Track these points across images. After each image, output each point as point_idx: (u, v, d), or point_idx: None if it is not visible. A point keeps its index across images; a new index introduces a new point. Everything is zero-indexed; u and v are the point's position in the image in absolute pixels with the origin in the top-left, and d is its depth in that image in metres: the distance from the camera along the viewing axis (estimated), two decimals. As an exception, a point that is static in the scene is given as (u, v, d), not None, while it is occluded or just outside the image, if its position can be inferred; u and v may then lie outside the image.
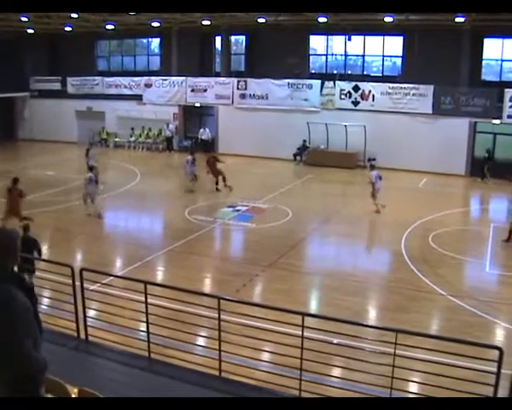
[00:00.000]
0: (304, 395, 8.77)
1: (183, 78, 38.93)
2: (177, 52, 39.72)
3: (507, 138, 32.91)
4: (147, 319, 10.13)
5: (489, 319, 13.98)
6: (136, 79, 41.02)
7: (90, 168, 24.11)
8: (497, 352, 7.33)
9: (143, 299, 10.08)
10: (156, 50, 44.23)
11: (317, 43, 38.58)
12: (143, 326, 10.58)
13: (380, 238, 21.23)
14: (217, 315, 9.55)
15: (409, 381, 9.58)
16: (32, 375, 4.87)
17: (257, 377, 9.47)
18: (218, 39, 40.05)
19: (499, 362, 7.31)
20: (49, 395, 6.35)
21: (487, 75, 35.10)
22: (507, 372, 7.26)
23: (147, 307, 10.04)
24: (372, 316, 14.69)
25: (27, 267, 12.39)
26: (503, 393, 7.50)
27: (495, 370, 7.33)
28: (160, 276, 17.00)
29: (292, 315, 9.37)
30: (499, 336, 13.32)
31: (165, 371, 9.47)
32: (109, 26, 37.03)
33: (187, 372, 9.47)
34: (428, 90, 33.36)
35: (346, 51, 37.58)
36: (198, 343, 11.18)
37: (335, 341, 10.12)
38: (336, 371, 10.19)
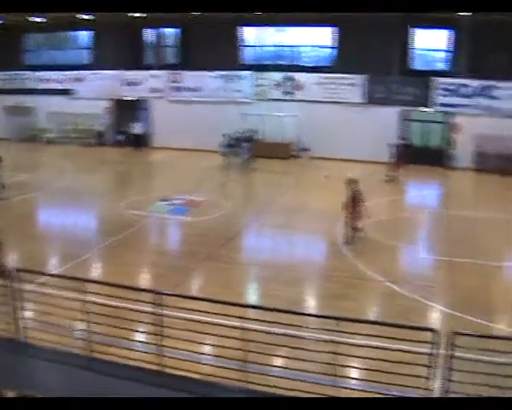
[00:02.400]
0: (249, 386, 8.82)
1: (116, 71, 38.42)
2: (109, 45, 39.10)
3: (436, 126, 33.84)
4: (86, 317, 9.99)
5: (424, 302, 14.32)
6: (67, 73, 40.22)
7: None
8: (431, 334, 7.52)
9: (81, 297, 9.94)
10: (87, 44, 43.38)
11: (249, 34, 38.58)
12: (82, 325, 10.44)
13: (316, 228, 21.41)
14: (157, 310, 9.49)
15: (349, 367, 9.73)
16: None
17: (200, 370, 9.46)
18: (151, 32, 39.64)
19: (434, 344, 7.50)
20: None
21: (417, 65, 35.82)
22: (444, 353, 7.44)
23: (85, 306, 9.90)
24: (311, 305, 14.85)
25: None
26: (440, 373, 7.70)
27: (432, 351, 7.52)
28: (97, 273, 16.75)
29: (233, 307, 9.38)
30: (435, 319, 13.67)
31: (106, 370, 9.37)
32: (37, 19, 36.15)
33: (129, 369, 9.38)
34: (359, 79, 33.91)
35: (278, 42, 37.76)
36: (139, 340, 11.09)
37: (277, 331, 10.18)
38: (279, 361, 10.26)
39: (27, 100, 40.72)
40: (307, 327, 10.56)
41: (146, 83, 38.02)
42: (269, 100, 35.36)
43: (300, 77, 35.08)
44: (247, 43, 38.76)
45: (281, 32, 36.60)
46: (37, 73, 41.17)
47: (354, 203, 18.57)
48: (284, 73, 35.47)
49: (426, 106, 33.25)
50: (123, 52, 39.17)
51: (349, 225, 18.78)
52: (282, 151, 34.05)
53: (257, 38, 38.37)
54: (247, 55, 38.80)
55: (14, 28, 40.23)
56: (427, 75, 33.89)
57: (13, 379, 7.53)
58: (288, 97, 35.13)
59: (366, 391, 8.73)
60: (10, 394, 6.83)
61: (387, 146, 29.20)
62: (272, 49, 38.31)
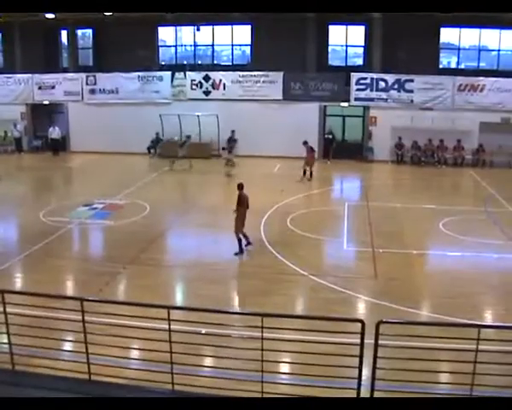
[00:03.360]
0: (176, 388, 8.78)
1: (29, 75, 37.51)
2: (20, 47, 38.19)
3: (355, 120, 34.58)
4: (7, 329, 9.72)
5: (350, 293, 14.58)
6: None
7: None
8: (359, 324, 7.67)
9: (1, 309, 9.68)
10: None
11: (165, 34, 38.41)
12: (4, 338, 10.16)
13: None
14: (81, 317, 9.34)
15: (279, 362, 9.83)
16: None
17: (127, 375, 9.37)
18: (64, 33, 38.87)
19: (362, 334, 7.65)
20: None
21: (334, 60, 36.53)
22: (370, 342, 7.59)
23: (6, 317, 9.64)
24: (236, 302, 14.90)
25: None
26: (367, 362, 7.86)
27: (359, 341, 7.67)
28: (18, 283, 16.28)
29: (158, 310, 9.32)
30: (361, 310, 13.95)
31: (31, 382, 9.14)
32: None
33: (55, 380, 9.19)
34: (278, 76, 34.31)
35: (195, 41, 37.76)
36: (65, 349, 10.88)
37: (203, 331, 10.19)
38: (207, 361, 10.26)
39: None
40: (233, 325, 10.60)
41: (61, 86, 37.26)
42: (188, 100, 35.27)
43: (218, 76, 35.17)
44: (164, 44, 38.58)
45: (197, 31, 36.50)
46: None
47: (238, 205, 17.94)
48: (202, 72, 35.45)
49: (343, 100, 33.89)
50: (36, 54, 38.26)
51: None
52: (202, 151, 34.01)
53: (174, 37, 38.21)
54: (165, 55, 38.61)
55: None
56: (343, 70, 34.57)
57: None
58: (206, 97, 35.12)
59: (294, 385, 8.84)
60: None
61: (303, 143, 29.52)
62: (190, 48, 38.24)
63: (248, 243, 18.13)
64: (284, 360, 10.07)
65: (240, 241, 17.82)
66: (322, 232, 20.00)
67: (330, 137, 34.12)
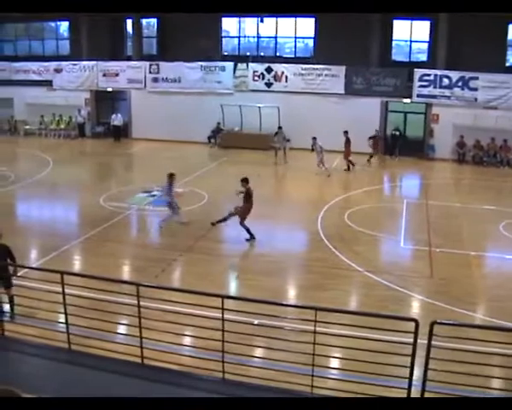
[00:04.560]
0: (227, 376, 8.84)
1: (94, 62, 38.17)
2: (87, 36, 38.91)
3: (416, 117, 34.09)
4: (65, 310, 9.95)
5: (404, 292, 14.42)
6: (45, 63, 39.85)
7: None
8: (413, 324, 7.57)
9: (60, 289, 9.90)
10: (65, 34, 43.07)
11: (229, 25, 38.55)
12: (62, 318, 10.41)
13: (296, 218, 21.45)
14: (136, 302, 9.48)
15: (330, 357, 9.80)
16: None
17: (179, 361, 9.48)
18: (129, 22, 39.43)
19: (415, 333, 7.56)
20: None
21: (397, 55, 36.05)
22: (423, 342, 7.50)
23: (64, 298, 9.86)
24: (291, 295, 14.87)
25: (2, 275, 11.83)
26: (419, 362, 7.76)
27: (411, 341, 7.58)
28: (76, 265, 16.67)
29: (212, 298, 9.39)
30: (415, 309, 13.78)
31: (86, 362, 9.34)
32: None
33: (109, 362, 9.37)
34: (340, 70, 34.02)
35: (258, 33, 37.78)
36: (119, 332, 11.07)
37: (255, 321, 10.22)
38: (258, 352, 10.29)
39: (4, 91, 40.25)
40: (286, 318, 10.60)
41: (124, 74, 37.79)
42: (249, 91, 35.32)
43: (280, 68, 35.10)
44: (228, 34, 38.73)
45: (261, 22, 36.53)
46: (15, 64, 40.75)
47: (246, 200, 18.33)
48: (264, 64, 35.44)
49: (405, 97, 33.43)
50: (101, 42, 38.92)
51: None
52: (262, 142, 34.00)
53: (237, 28, 38.34)
54: (227, 45, 38.77)
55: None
56: (406, 66, 34.10)
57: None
58: (268, 88, 35.11)
59: (344, 381, 8.81)
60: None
61: (369, 138, 29.36)
62: (253, 40, 38.30)
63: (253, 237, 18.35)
64: (335, 355, 10.02)
65: (248, 229, 18.13)
66: (380, 229, 19.81)
67: (397, 133, 33.64)
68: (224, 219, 18.78)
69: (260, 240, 18.80)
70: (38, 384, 8.10)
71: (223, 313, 8.86)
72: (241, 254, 17.49)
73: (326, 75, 34.43)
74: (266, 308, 9.42)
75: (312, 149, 28.46)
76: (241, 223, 18.25)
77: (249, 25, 37.99)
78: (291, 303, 13.51)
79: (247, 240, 18.23)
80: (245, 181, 18.40)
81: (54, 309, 10.71)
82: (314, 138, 28.12)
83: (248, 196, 18.26)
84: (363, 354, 8.38)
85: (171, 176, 19.33)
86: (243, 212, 18.26)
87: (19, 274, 12.36)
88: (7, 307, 11.80)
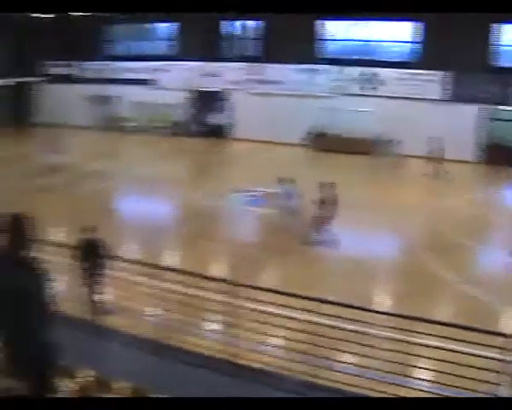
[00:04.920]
0: (316, 380, 8.82)
1: (197, 62, 38.82)
2: (190, 36, 39.58)
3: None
4: (162, 304, 10.20)
5: (501, 306, 13.94)
6: (149, 63, 40.94)
7: None
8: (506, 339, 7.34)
9: (156, 283, 10.16)
10: (170, 35, 44.05)
11: (330, 27, 38.21)
12: (155, 310, 10.67)
13: (394, 225, 21.08)
14: (228, 300, 9.59)
15: (418, 367, 9.59)
16: (47, 359, 4.94)
17: (267, 362, 9.52)
18: (233, 23, 39.89)
19: (507, 349, 7.31)
20: (61, 380, 6.43)
21: (505, 62, 34.49)
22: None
23: (162, 292, 10.11)
24: (384, 303, 14.65)
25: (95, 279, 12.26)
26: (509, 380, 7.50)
27: (504, 358, 7.33)
28: (172, 260, 17.03)
29: (305, 301, 9.38)
30: (509, 324, 13.30)
31: (181, 357, 9.54)
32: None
33: (198, 357, 9.53)
34: (440, 76, 33.31)
35: (359, 36, 37.37)
36: (210, 328, 11.21)
37: (349, 327, 10.12)
38: (347, 357, 10.18)
39: (111, 89, 41.62)
40: (379, 325, 10.44)
41: (226, 74, 38.25)
42: (347, 95, 35.03)
43: (380, 72, 34.63)
44: (328, 37, 38.53)
45: (362, 26, 36.17)
46: (121, 63, 42.04)
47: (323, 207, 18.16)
48: (364, 67, 35.07)
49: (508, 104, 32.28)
50: (204, 43, 39.55)
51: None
52: (359, 146, 33.62)
53: (337, 31, 38.10)
54: (327, 48, 38.59)
55: (99, 18, 41.15)
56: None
57: (86, 361, 7.76)
58: (366, 93, 34.72)
59: (431, 392, 8.62)
60: (83, 374, 7.05)
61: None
62: (352, 43, 37.95)
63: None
64: (424, 365, 9.79)
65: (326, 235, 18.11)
66: (481, 239, 19.24)
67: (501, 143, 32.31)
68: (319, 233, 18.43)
69: (357, 245, 18.65)
70: (135, 375, 8.31)
71: (316, 317, 8.87)
72: (340, 257, 17.36)
73: (426, 81, 33.71)
74: (358, 314, 9.33)
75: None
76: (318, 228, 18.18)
77: (350, 27, 37.65)
78: (383, 310, 13.29)
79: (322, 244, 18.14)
80: (327, 186, 18.37)
81: (148, 302, 11.00)
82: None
83: (321, 202, 18.13)
84: (452, 366, 8.16)
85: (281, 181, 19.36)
86: (318, 218, 18.19)
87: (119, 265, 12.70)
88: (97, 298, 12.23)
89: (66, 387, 6.41)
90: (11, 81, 41.42)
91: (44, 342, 4.81)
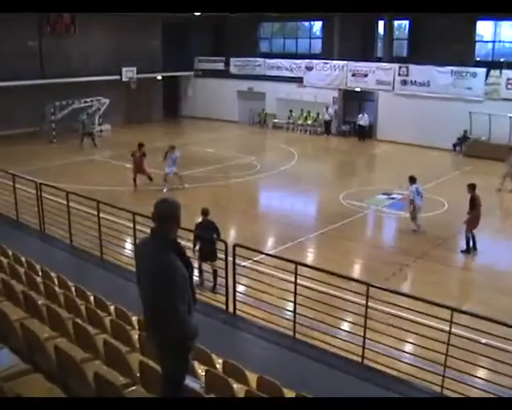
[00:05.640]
0: (445, 392, 8.63)
1: (345, 62, 38.69)
2: (338, 36, 39.53)
3: None
4: (294, 299, 10.35)
5: None
6: (297, 61, 41.21)
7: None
8: None
9: (292, 279, 10.31)
10: (318, 33, 44.31)
11: (484, 28, 37.00)
12: (290, 306, 10.83)
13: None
14: (364, 301, 9.57)
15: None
16: (184, 340, 5.16)
17: (399, 368, 9.41)
18: (381, 24, 39.44)
19: None
20: (196, 363, 6.69)
21: None
22: None
23: (295, 288, 10.25)
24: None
25: (210, 251, 13.27)
26: None
27: None
28: (310, 257, 17.17)
29: (440, 309, 9.20)
30: None
31: (308, 353, 9.64)
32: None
33: (329, 356, 9.58)
34: None
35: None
36: (342, 328, 11.23)
37: (483, 340, 9.80)
38: (481, 373, 9.84)
39: (258, 86, 42.40)
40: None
41: (373, 75, 37.85)
42: (500, 99, 33.62)
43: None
44: (481, 39, 37.20)
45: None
46: (269, 61, 42.71)
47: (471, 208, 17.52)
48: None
49: None
50: (352, 43, 39.40)
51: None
52: (509, 154, 32.19)
53: (493, 32, 36.67)
54: (481, 50, 37.24)
55: (251, 17, 42.06)
56: None
57: (220, 347, 8.03)
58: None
59: None
60: (217, 360, 7.31)
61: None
62: (508, 45, 36.39)
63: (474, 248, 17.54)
64: None
65: (468, 240, 17.41)
66: None
67: None
68: (468, 239, 17.68)
69: (501, 256, 18.00)
70: (260, 364, 8.50)
71: (450, 326, 8.67)
72: (479, 268, 16.83)
73: None
74: (497, 328, 9.01)
75: None
76: (466, 232, 17.55)
77: (506, 29, 36.11)
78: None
79: (462, 251, 17.58)
80: (471, 187, 17.78)
81: (283, 296, 11.18)
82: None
83: (473, 204, 17.53)
84: None
85: (412, 179, 19.13)
86: (469, 221, 17.55)
87: (255, 259, 13.00)
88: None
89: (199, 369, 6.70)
90: (166, 75, 43.44)
91: (184, 320, 5.02)
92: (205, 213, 14.21)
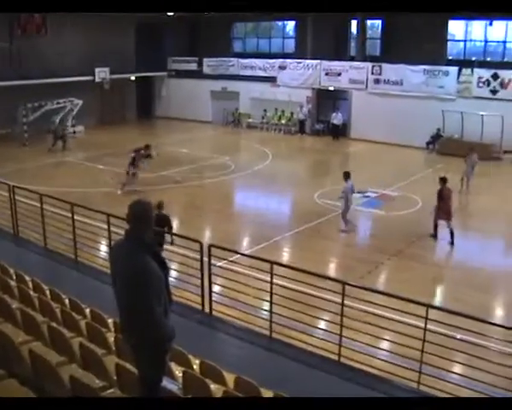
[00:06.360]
0: (422, 388, 8.69)
1: (318, 61, 38.81)
2: (312, 35, 39.65)
3: None
4: (271, 298, 10.36)
5: None
6: (270, 61, 41.22)
7: None
8: None
9: (268, 278, 10.32)
10: (291, 33, 44.38)
11: (455, 28, 37.33)
12: (266, 305, 10.85)
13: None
14: (339, 300, 9.62)
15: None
16: (160, 342, 5.15)
17: (375, 365, 9.46)
18: (354, 23, 39.63)
19: None
20: (173, 364, 6.67)
21: None
22: None
23: (271, 287, 10.26)
24: (499, 314, 14.16)
25: (158, 241, 13.05)
26: None
27: None
28: (285, 257, 17.21)
29: (415, 306, 9.26)
30: None
31: (284, 352, 9.66)
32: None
33: (306, 355, 9.61)
34: None
35: (486, 37, 36.17)
36: (319, 326, 11.27)
37: (458, 336, 9.90)
38: (457, 368, 9.93)
39: (232, 85, 42.37)
40: (491, 337, 10.13)
41: (347, 74, 37.99)
42: (473, 98, 33.93)
43: (508, 74, 33.25)
44: (453, 38, 37.53)
45: (490, 26, 34.95)
46: (243, 60, 42.69)
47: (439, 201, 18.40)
48: (491, 69, 33.83)
49: None
50: (325, 42, 39.53)
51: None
52: (482, 152, 32.40)
53: (464, 31, 36.99)
54: (452, 49, 37.58)
55: (224, 18, 42.04)
56: None
57: (197, 348, 8.01)
58: (493, 96, 33.49)
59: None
60: (194, 361, 7.29)
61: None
62: (479, 44, 36.76)
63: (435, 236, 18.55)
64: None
65: (435, 226, 18.50)
66: None
67: None
68: (435, 226, 18.56)
69: (473, 253, 18.20)
70: (237, 364, 8.50)
71: (426, 323, 8.74)
72: (452, 265, 16.99)
73: None
74: (471, 324, 9.11)
75: None
76: (434, 219, 18.50)
77: (476, 28, 36.47)
78: (499, 323, 12.86)
79: (431, 236, 18.58)
80: (442, 180, 18.58)
81: (259, 296, 11.19)
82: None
83: (440, 196, 18.34)
84: None
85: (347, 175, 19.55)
86: (436, 213, 18.39)
87: (230, 259, 12.99)
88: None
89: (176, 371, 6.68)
90: (140, 75, 43.29)
91: (160, 321, 5.02)
92: (159, 206, 14.21)
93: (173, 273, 12.44)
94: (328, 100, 39.85)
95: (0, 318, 7.33)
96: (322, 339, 10.20)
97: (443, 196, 18.29)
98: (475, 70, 33.75)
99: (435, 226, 18.50)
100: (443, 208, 18.23)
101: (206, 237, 18.21)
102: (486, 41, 36.18)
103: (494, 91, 33.16)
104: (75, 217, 13.96)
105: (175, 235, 14.16)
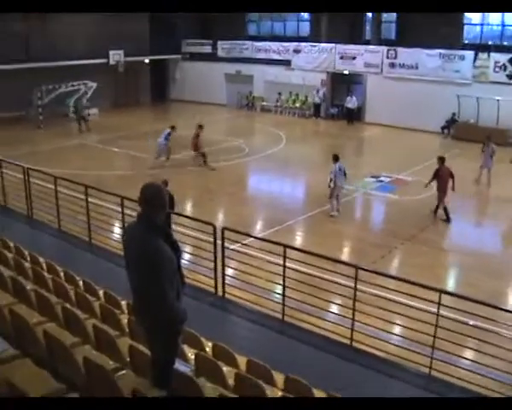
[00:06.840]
0: (433, 373, 8.70)
1: (333, 44, 38.60)
2: (327, 18, 39.42)
3: None
4: (283, 281, 10.38)
5: None
6: (285, 44, 41.14)
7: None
8: None
9: (281, 262, 10.34)
10: (306, 16, 44.10)
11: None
12: (279, 288, 10.88)
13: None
14: (352, 284, 9.62)
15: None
16: (173, 324, 5.17)
17: (387, 349, 9.47)
18: (370, 6, 39.38)
19: None
20: (185, 346, 6.72)
21: None
22: None
23: (284, 271, 10.28)
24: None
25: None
26: None
27: None
28: (298, 241, 17.21)
29: (428, 291, 9.25)
30: None
31: (296, 335, 9.70)
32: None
33: (318, 338, 9.63)
34: None
35: (503, 21, 35.77)
36: (331, 310, 11.28)
37: (471, 322, 9.89)
38: (468, 354, 9.92)
39: (246, 69, 42.28)
40: (505, 324, 10.11)
41: (361, 57, 37.78)
42: (488, 82, 33.63)
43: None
44: (470, 22, 37.16)
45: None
46: (257, 43, 42.59)
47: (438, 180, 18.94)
48: (508, 54, 33.49)
49: None
50: (341, 25, 39.25)
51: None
52: (498, 137, 32.17)
53: (481, 16, 36.59)
54: (469, 33, 37.24)
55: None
56: None
57: (209, 330, 8.06)
58: (509, 81, 33.16)
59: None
60: (207, 344, 7.33)
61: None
62: (497, 28, 36.37)
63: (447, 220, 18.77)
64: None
65: (445, 209, 18.76)
66: None
67: None
68: (444, 209, 18.86)
69: (488, 239, 18.12)
70: (249, 346, 8.55)
71: (439, 308, 8.73)
72: (466, 250, 16.88)
73: None
74: (484, 310, 9.08)
75: None
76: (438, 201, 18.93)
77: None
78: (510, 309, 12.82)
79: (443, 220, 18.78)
80: (439, 159, 19.18)
81: (271, 279, 11.22)
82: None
83: (436, 175, 18.95)
84: None
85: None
86: (438, 195, 18.92)
87: (244, 243, 13.03)
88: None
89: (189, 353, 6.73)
90: (154, 58, 43.22)
91: (172, 304, 5.04)
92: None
93: (186, 256, 12.54)
94: (342, 84, 39.65)
95: (15, 299, 7.40)
96: (333, 323, 10.22)
97: (440, 175, 18.80)
98: (492, 54, 33.41)
99: (445, 209, 18.67)
100: (440, 187, 18.77)
101: (220, 220, 18.23)
102: (504, 25, 35.74)
103: (511, 76, 32.82)
104: (89, 199, 14.04)
105: (188, 218, 14.18)
